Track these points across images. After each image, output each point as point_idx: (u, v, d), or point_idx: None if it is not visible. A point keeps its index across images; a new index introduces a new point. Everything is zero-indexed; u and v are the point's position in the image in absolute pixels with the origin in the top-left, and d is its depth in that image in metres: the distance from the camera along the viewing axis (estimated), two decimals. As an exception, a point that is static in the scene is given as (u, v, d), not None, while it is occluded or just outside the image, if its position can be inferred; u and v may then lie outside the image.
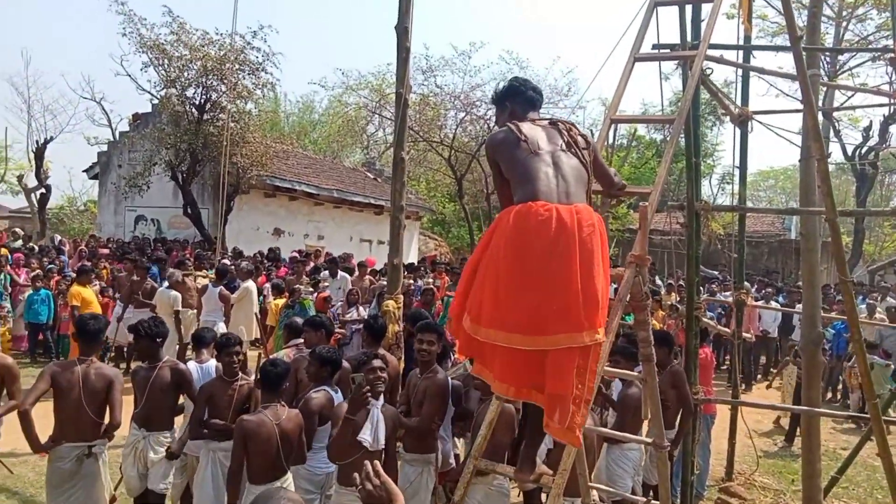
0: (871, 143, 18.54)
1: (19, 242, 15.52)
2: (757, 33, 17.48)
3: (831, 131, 16.84)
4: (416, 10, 6.28)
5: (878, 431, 4.85)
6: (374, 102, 24.56)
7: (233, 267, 10.71)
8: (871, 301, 12.80)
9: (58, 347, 10.62)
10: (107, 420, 4.34)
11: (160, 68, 15.74)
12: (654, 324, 5.39)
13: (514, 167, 2.83)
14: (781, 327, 12.62)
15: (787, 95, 18.84)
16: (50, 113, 42.07)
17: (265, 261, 14.38)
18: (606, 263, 2.75)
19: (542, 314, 2.58)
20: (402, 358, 6.81)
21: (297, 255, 15.23)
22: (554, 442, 3.93)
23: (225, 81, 15.59)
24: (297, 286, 9.99)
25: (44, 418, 4.22)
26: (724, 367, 12.00)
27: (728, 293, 10.00)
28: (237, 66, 15.72)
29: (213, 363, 4.90)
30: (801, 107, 5.40)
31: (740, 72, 6.18)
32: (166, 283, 9.47)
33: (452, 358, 5.80)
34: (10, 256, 12.33)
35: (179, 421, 4.86)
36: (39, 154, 22.74)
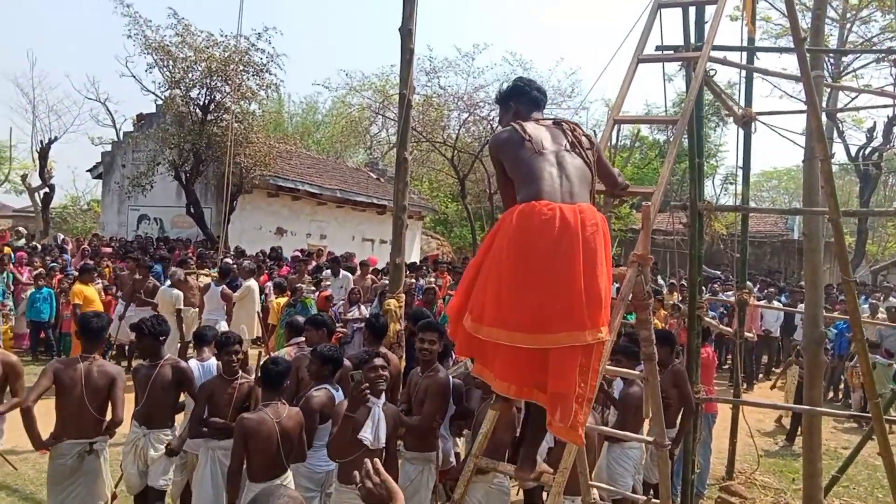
0: (875, 143, 18.50)
1: (22, 241, 15.56)
2: (760, 35, 17.48)
3: (835, 132, 16.80)
4: (419, 11, 6.30)
5: (880, 431, 4.85)
6: (377, 103, 24.57)
7: (235, 266, 10.73)
8: (874, 301, 12.78)
9: (59, 346, 10.65)
10: (108, 417, 4.37)
11: (165, 69, 15.81)
12: (655, 323, 5.39)
13: (518, 167, 2.84)
14: (783, 327, 12.62)
15: (791, 97, 18.84)
16: (54, 113, 42.33)
17: (267, 260, 14.40)
18: (609, 262, 2.75)
19: (545, 313, 2.59)
20: (404, 357, 6.82)
21: (299, 254, 15.25)
22: (555, 440, 3.94)
23: (229, 82, 15.63)
24: (299, 285, 10.01)
25: (45, 416, 4.25)
26: (726, 366, 12.00)
27: (730, 293, 10.00)
28: (241, 68, 15.77)
29: (214, 361, 4.91)
30: (804, 108, 5.40)
31: (744, 73, 6.18)
32: (169, 282, 9.50)
33: (453, 357, 5.80)
34: (13, 255, 12.37)
35: (180, 419, 4.88)
36: (43, 154, 22.80)
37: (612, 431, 4.32)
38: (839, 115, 17.08)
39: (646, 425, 4.74)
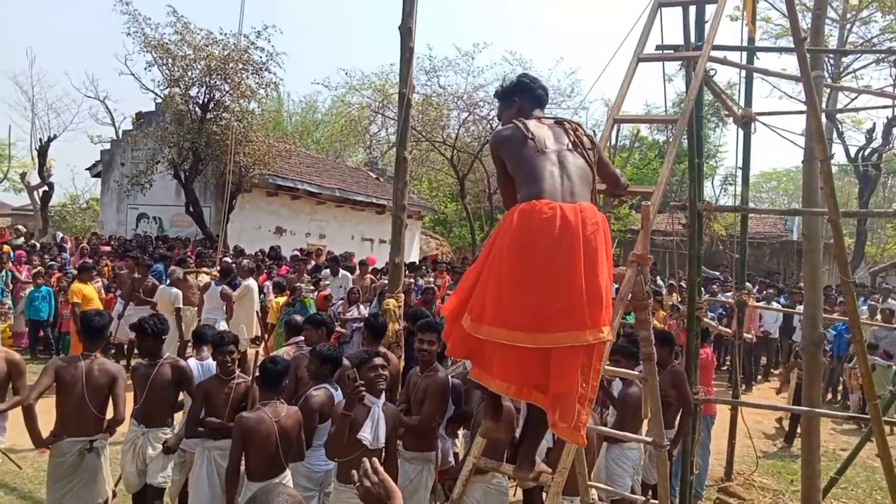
0: (875, 145, 18.52)
1: (21, 240, 15.55)
2: (761, 35, 17.50)
3: (834, 133, 16.81)
4: (419, 10, 6.29)
5: (879, 432, 4.85)
6: (377, 102, 24.56)
7: (234, 265, 10.72)
8: (873, 302, 12.79)
9: (58, 344, 10.64)
10: (109, 415, 4.37)
11: (164, 67, 15.77)
12: (654, 324, 5.39)
13: (519, 165, 2.83)
14: (782, 328, 12.64)
15: (791, 97, 18.85)
16: (53, 111, 42.36)
17: (266, 259, 14.39)
18: (610, 262, 2.75)
19: (545, 312, 2.58)
20: (403, 356, 6.82)
21: (298, 253, 15.25)
22: (553, 440, 3.93)
23: (228, 81, 15.61)
24: (298, 284, 10.01)
25: (45, 414, 4.25)
26: (725, 367, 12.01)
27: (729, 294, 10.00)
28: (241, 66, 15.75)
29: (213, 360, 4.90)
30: (804, 108, 5.40)
31: (744, 73, 6.18)
32: (169, 281, 9.50)
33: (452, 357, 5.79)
34: (12, 253, 12.35)
35: (179, 417, 4.87)
36: (42, 152, 22.79)
37: (611, 432, 4.32)
38: (839, 116, 17.10)
39: (644, 426, 4.74)
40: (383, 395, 4.04)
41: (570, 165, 2.80)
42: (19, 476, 5.84)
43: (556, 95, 21.66)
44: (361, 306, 9.52)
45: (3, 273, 11.04)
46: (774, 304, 12.29)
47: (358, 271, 11.83)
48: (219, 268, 10.22)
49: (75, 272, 10.59)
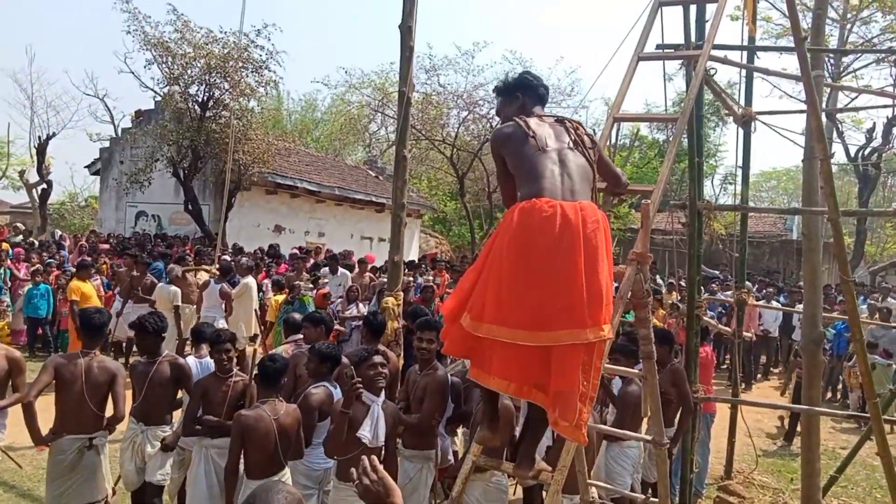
0: (874, 144, 18.53)
1: (20, 237, 15.53)
2: (761, 35, 17.49)
3: (834, 133, 16.82)
4: (419, 9, 6.28)
5: (878, 431, 4.85)
6: (376, 101, 24.54)
7: (232, 263, 10.71)
8: (873, 301, 12.79)
9: (56, 342, 10.63)
10: (109, 413, 4.36)
11: (164, 66, 15.76)
12: (654, 322, 5.38)
13: (520, 163, 2.82)
14: (782, 327, 12.65)
15: (791, 97, 18.87)
16: (53, 109, 42.15)
17: (265, 257, 14.38)
18: (610, 260, 2.74)
19: (546, 310, 2.57)
20: (402, 355, 6.81)
21: (297, 251, 15.24)
22: (553, 439, 3.93)
23: (228, 79, 15.60)
24: (297, 283, 10.00)
25: (45, 411, 4.25)
26: (725, 366, 12.01)
27: (729, 292, 10.00)
28: (240, 65, 15.73)
29: (211, 358, 4.89)
30: (804, 108, 5.40)
31: (744, 72, 6.18)
32: (167, 279, 9.49)
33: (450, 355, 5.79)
34: (10, 251, 12.34)
35: (178, 416, 4.86)
36: (41, 150, 22.77)
37: (611, 430, 4.32)
38: (839, 115, 17.11)
39: (644, 424, 4.74)
40: (383, 393, 4.03)
41: (570, 164, 2.80)
42: (18, 474, 5.84)
43: (557, 94, 21.68)
44: (360, 304, 9.51)
45: (2, 271, 11.03)
46: (774, 303, 12.30)
47: (357, 269, 11.83)
48: (217, 266, 10.21)
49: (74, 270, 10.58)
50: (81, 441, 4.25)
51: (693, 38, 5.25)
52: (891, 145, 18.44)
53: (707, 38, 4.01)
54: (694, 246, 5.42)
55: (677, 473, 5.44)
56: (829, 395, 11.09)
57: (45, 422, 4.28)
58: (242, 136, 15.63)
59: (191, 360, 4.97)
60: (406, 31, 6.25)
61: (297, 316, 6.02)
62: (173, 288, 9.15)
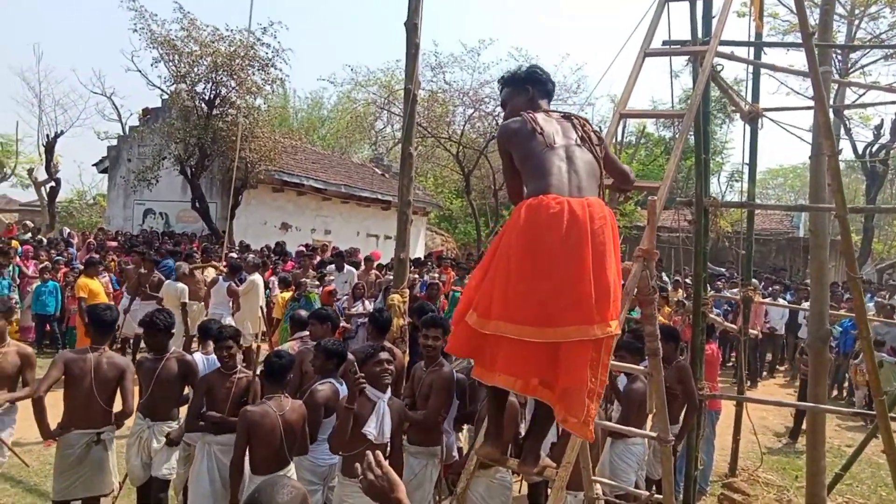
0: (883, 141, 18.42)
1: (28, 235, 15.63)
2: (768, 31, 17.39)
3: (842, 129, 16.74)
4: (425, 6, 6.30)
5: (884, 428, 4.83)
6: (382, 99, 24.55)
7: (239, 260, 10.74)
8: (880, 299, 12.73)
9: (65, 339, 10.69)
10: (116, 408, 4.40)
11: (170, 64, 15.82)
12: (660, 320, 5.38)
13: (527, 159, 2.82)
14: (788, 325, 12.60)
15: (798, 93, 18.78)
16: (60, 107, 42.59)
17: (272, 255, 14.42)
18: (618, 256, 2.74)
19: (553, 307, 2.57)
20: (407, 352, 6.83)
21: (303, 249, 15.27)
22: (558, 435, 3.94)
23: (234, 77, 15.64)
24: (303, 280, 10.02)
25: (53, 407, 4.29)
26: (730, 363, 11.99)
27: (735, 290, 9.97)
28: (247, 63, 15.77)
29: (217, 354, 4.92)
30: (811, 104, 5.37)
31: (751, 69, 6.15)
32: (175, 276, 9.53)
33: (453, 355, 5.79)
34: (19, 248, 12.41)
35: (185, 411, 4.89)
36: (50, 148, 22.88)
37: (616, 427, 4.32)
38: (846, 112, 17.02)
39: (649, 421, 4.74)
40: (389, 389, 4.04)
41: (577, 160, 2.79)
42: (25, 469, 5.88)
43: (562, 91, 21.64)
44: (366, 301, 9.53)
45: (11, 268, 11.09)
46: (780, 301, 12.25)
47: (363, 267, 11.85)
48: (225, 263, 10.24)
49: (82, 267, 10.64)
50: (89, 436, 4.30)
51: (700, 35, 5.23)
52: (899, 142, 18.32)
53: (714, 34, 4.00)
54: (700, 243, 5.40)
55: (682, 471, 5.43)
56: (834, 392, 11.05)
57: (54, 417, 4.32)
58: (249, 133, 15.68)
59: (198, 357, 4.99)
60: (412, 28, 6.26)
61: (304, 313, 6.04)
62: (181, 285, 9.19)
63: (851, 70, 18.65)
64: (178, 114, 16.11)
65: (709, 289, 6.48)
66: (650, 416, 4.44)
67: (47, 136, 24.05)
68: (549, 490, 4.00)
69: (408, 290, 6.80)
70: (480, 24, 71.31)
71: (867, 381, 8.08)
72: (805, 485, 5.37)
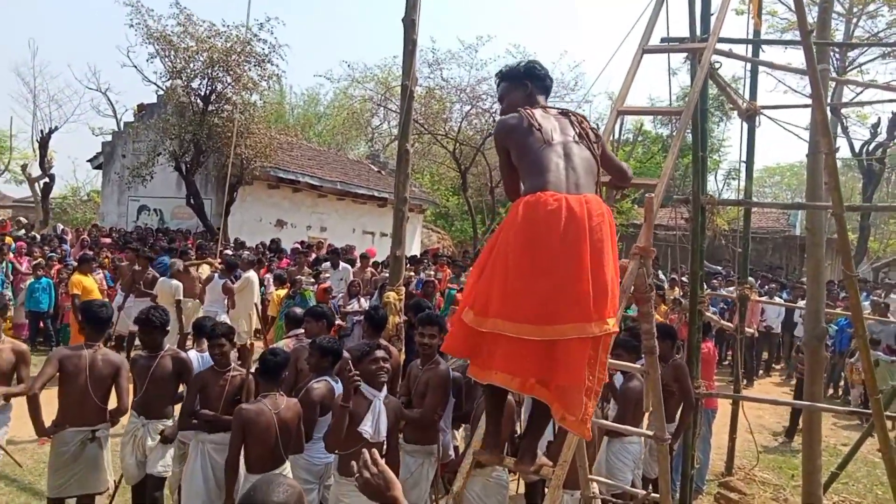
0: (879, 139, 18.45)
1: (22, 231, 15.55)
2: (766, 29, 17.40)
3: (839, 127, 16.76)
4: (423, 2, 6.26)
5: (880, 427, 4.83)
6: (379, 95, 24.47)
7: (234, 258, 10.71)
8: (876, 298, 12.76)
9: (58, 336, 10.64)
10: (111, 406, 4.37)
11: (166, 59, 15.74)
12: (656, 318, 5.36)
13: (525, 156, 2.79)
14: (784, 323, 12.63)
15: (796, 91, 18.81)
16: (55, 103, 42.38)
17: (267, 252, 14.38)
18: (615, 253, 2.72)
19: (551, 304, 2.55)
20: (403, 350, 6.81)
21: (299, 246, 15.24)
22: (554, 434, 3.92)
23: (230, 73, 15.57)
24: (299, 277, 10.00)
25: (47, 404, 4.27)
26: (727, 362, 12.00)
27: (731, 288, 9.96)
28: (243, 58, 15.70)
29: (211, 352, 4.89)
30: (809, 102, 5.36)
31: (749, 67, 6.13)
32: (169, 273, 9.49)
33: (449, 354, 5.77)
34: (13, 245, 12.35)
35: (179, 409, 4.87)
36: (44, 143, 22.77)
37: (612, 425, 4.30)
38: (843, 110, 17.02)
39: (645, 420, 4.72)
40: (385, 388, 4.02)
41: (575, 157, 2.77)
42: (19, 468, 5.85)
43: (560, 89, 21.58)
44: (362, 299, 9.51)
45: (4, 264, 11.03)
46: (777, 299, 12.27)
47: (359, 264, 11.82)
48: (220, 260, 10.21)
49: (75, 264, 10.59)
50: (84, 433, 4.27)
51: (698, 32, 5.21)
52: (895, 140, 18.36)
53: (712, 31, 3.98)
54: (697, 241, 5.38)
55: (678, 469, 5.42)
56: (830, 391, 11.06)
57: (48, 414, 4.29)
58: (245, 130, 15.61)
59: (192, 355, 4.97)
60: (409, 24, 6.23)
61: (299, 310, 6.02)
62: (175, 282, 9.15)
63: (849, 68, 18.69)
64: (174, 110, 16.05)
65: (705, 287, 6.47)
66: (647, 415, 4.43)
67: (41, 131, 23.93)
68: (545, 489, 3.99)
69: (404, 288, 6.78)
70: (478, 21, 71.25)
71: (863, 379, 8.09)
72: (801, 483, 5.37)
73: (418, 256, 15.22)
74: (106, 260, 12.17)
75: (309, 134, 30.70)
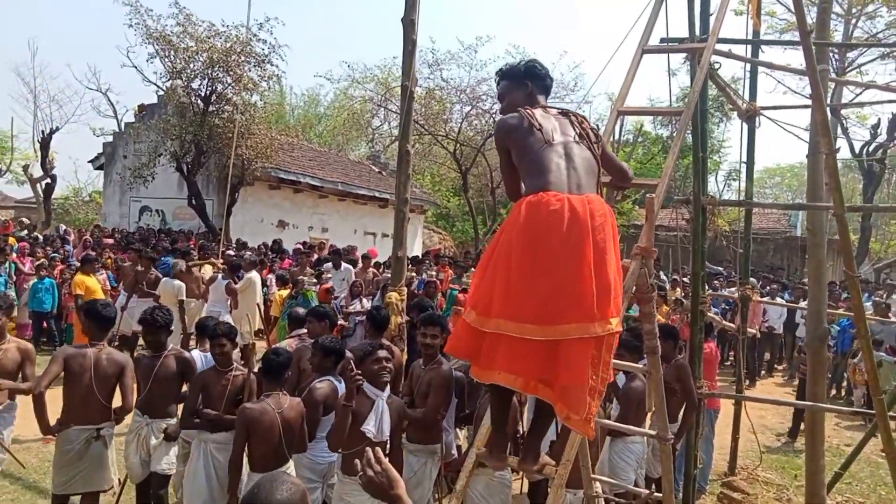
0: (879, 140, 18.45)
1: (24, 232, 15.58)
2: (765, 30, 17.41)
3: (839, 128, 16.76)
4: (422, 3, 6.27)
5: (883, 427, 4.83)
6: (379, 96, 24.49)
7: (238, 259, 10.73)
8: (877, 298, 12.76)
9: (62, 336, 10.65)
10: (115, 405, 4.39)
11: (166, 60, 15.76)
12: (658, 318, 5.37)
13: (525, 156, 2.79)
14: (786, 324, 12.62)
15: (795, 93, 18.81)
16: (56, 103, 42.37)
17: (269, 252, 14.40)
18: (618, 254, 2.72)
19: (554, 304, 2.55)
20: (405, 350, 6.82)
21: (301, 246, 15.25)
22: (557, 433, 3.93)
23: (230, 73, 15.59)
24: (301, 278, 10.01)
25: (52, 403, 4.29)
26: (729, 362, 12.00)
27: (733, 289, 9.97)
28: (243, 59, 15.72)
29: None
30: (809, 102, 5.36)
31: (748, 67, 6.14)
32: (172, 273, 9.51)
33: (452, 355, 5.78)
34: (15, 245, 12.37)
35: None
36: (45, 144, 22.79)
37: (615, 425, 4.31)
38: (843, 111, 17.03)
39: (648, 419, 4.73)
40: (388, 387, 4.03)
41: (576, 158, 2.77)
42: (23, 467, 5.86)
43: (560, 89, 21.60)
44: (364, 299, 9.52)
45: (7, 265, 11.05)
46: (778, 300, 12.27)
47: (360, 265, 11.83)
48: (222, 261, 10.22)
49: (78, 264, 10.60)
50: (89, 432, 4.30)
51: (698, 32, 5.22)
52: (896, 141, 18.36)
53: (712, 31, 3.99)
54: (698, 242, 5.39)
55: (681, 469, 5.43)
56: (833, 391, 11.06)
57: (53, 413, 4.31)
58: (245, 130, 15.63)
59: (196, 354, 4.98)
60: (409, 24, 6.23)
61: (301, 310, 6.03)
62: (177, 282, 9.17)
63: (848, 69, 18.69)
64: (174, 110, 16.06)
65: (707, 287, 6.48)
66: (649, 415, 4.43)
67: (42, 132, 23.96)
68: (549, 488, 4.00)
69: (405, 288, 6.78)
70: (478, 21, 71.28)
71: (866, 380, 8.10)
72: (804, 483, 5.37)
73: (420, 257, 15.23)
74: (109, 260, 12.19)
75: (309, 135, 30.72)
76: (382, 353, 3.98)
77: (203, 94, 15.87)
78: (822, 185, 5.23)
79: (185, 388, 4.76)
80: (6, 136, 31.46)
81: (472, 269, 11.92)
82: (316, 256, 13.09)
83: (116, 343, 10.09)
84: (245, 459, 3.95)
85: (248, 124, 15.96)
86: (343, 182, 21.24)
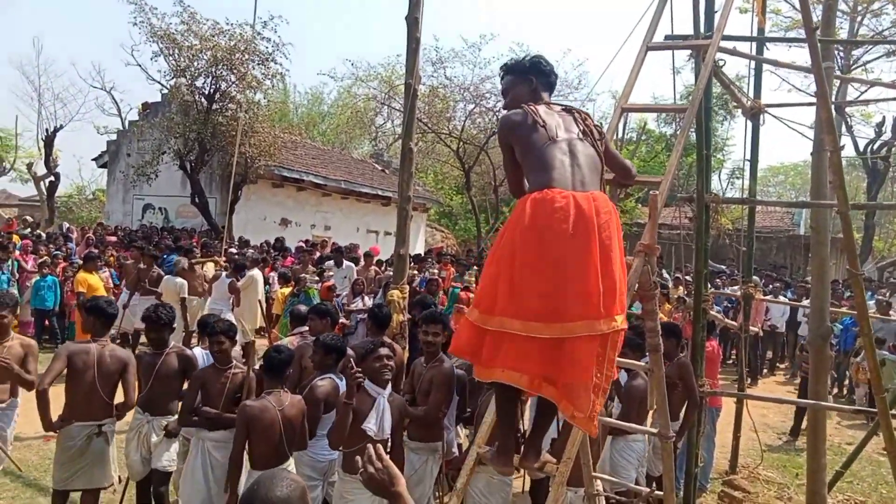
0: (884, 138, 18.40)
1: (27, 230, 15.61)
2: (770, 27, 17.36)
3: (843, 126, 16.72)
4: (426, 1, 6.25)
5: (885, 426, 4.81)
6: (383, 94, 24.48)
7: (241, 257, 10.74)
8: (880, 297, 12.72)
9: (64, 334, 10.67)
10: (117, 401, 4.41)
11: (170, 58, 15.77)
12: (660, 317, 5.36)
13: (529, 152, 2.78)
14: (788, 322, 12.60)
15: (800, 90, 18.75)
16: (60, 101, 42.49)
17: (272, 250, 14.40)
18: (622, 251, 2.71)
19: (560, 302, 2.54)
20: (407, 348, 6.81)
21: (303, 244, 15.26)
22: (558, 431, 3.92)
23: (234, 72, 15.59)
24: (303, 275, 10.02)
25: (54, 400, 4.28)
26: (731, 360, 11.98)
27: (735, 287, 9.94)
28: (247, 57, 15.72)
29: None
30: (813, 100, 5.34)
31: (753, 64, 6.12)
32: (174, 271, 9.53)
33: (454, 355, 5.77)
34: (18, 243, 12.40)
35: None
36: (49, 142, 22.85)
37: (617, 423, 4.29)
38: (848, 109, 16.98)
39: (650, 418, 4.72)
40: (389, 385, 4.03)
41: (580, 155, 2.76)
42: (24, 464, 5.88)
43: (564, 87, 21.55)
44: (366, 297, 9.52)
45: (10, 263, 11.08)
46: (781, 298, 12.24)
47: (362, 262, 11.83)
48: (224, 258, 10.23)
49: (81, 262, 10.62)
50: (90, 428, 4.31)
51: (702, 29, 5.20)
52: (900, 139, 18.31)
53: (717, 28, 3.98)
54: (701, 240, 5.37)
55: (682, 468, 5.42)
56: (835, 390, 11.04)
57: (55, 409, 4.31)
58: (249, 128, 15.63)
59: (198, 352, 4.98)
60: (413, 22, 6.22)
61: (303, 308, 6.03)
62: (180, 280, 9.18)
63: (853, 67, 18.64)
64: (178, 108, 16.08)
65: (709, 286, 6.47)
66: (651, 413, 4.43)
67: (46, 130, 24.05)
68: (550, 486, 3.99)
69: (407, 287, 6.77)
70: (481, 19, 71.19)
71: (868, 378, 8.07)
72: (805, 482, 5.36)
73: (422, 255, 15.23)
74: (111, 258, 12.21)
75: (313, 133, 30.72)
76: (384, 351, 3.98)
77: (207, 93, 15.88)
78: (826, 182, 5.21)
79: (186, 385, 4.77)
80: (10, 134, 31.56)
81: (474, 267, 11.92)
82: (318, 254, 13.09)
83: (118, 341, 10.13)
84: (245, 457, 3.95)
85: (252, 122, 15.97)
86: (346, 180, 21.24)
